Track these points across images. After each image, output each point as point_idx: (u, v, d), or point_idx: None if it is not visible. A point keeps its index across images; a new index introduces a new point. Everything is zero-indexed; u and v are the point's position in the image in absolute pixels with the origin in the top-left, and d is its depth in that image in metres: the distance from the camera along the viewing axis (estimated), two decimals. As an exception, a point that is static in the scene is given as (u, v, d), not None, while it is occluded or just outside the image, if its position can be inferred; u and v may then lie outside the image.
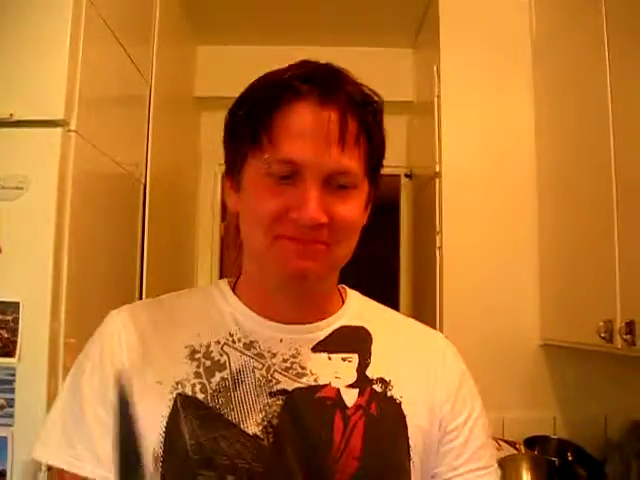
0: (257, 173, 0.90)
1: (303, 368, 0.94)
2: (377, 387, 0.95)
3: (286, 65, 0.94)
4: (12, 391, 1.63)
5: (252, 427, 0.89)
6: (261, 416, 0.89)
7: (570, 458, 2.24)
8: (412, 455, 0.94)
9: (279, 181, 0.88)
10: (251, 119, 0.90)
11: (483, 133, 2.52)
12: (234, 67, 2.94)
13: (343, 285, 1.07)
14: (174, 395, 0.90)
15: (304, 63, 0.93)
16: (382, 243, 4.11)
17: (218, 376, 0.91)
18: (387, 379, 0.96)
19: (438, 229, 2.50)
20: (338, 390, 0.93)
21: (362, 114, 0.91)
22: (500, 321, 2.44)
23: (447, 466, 0.98)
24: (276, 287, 0.96)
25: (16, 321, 1.64)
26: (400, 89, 3.15)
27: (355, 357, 0.97)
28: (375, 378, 0.96)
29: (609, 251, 1.79)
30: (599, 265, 1.88)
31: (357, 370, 0.96)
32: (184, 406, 0.89)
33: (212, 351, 0.94)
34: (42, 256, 1.62)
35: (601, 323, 1.77)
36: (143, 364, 0.92)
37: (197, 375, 0.91)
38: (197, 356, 0.93)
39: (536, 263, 2.43)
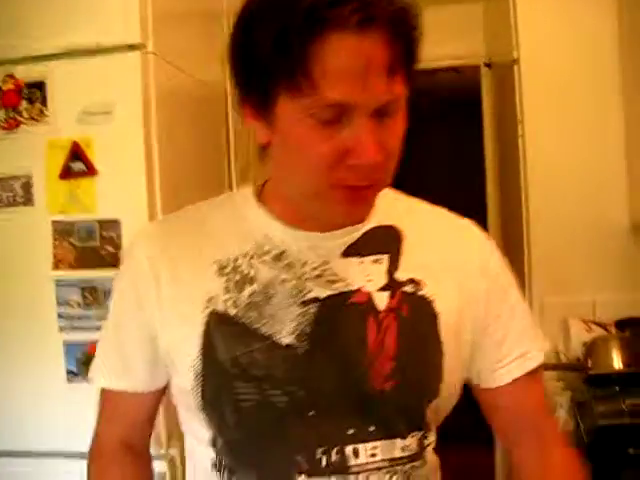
0: (296, 114, 0.80)
1: (334, 274, 0.92)
2: (408, 288, 0.94)
3: None
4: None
5: (286, 337, 0.89)
6: (294, 325, 0.89)
7: (662, 338, 2.23)
8: (444, 352, 0.93)
9: (326, 122, 0.80)
10: (281, 50, 0.77)
11: (562, 14, 2.42)
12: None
13: None
14: (207, 313, 0.90)
15: None
16: (465, 137, 4.07)
17: (248, 290, 0.91)
18: (418, 279, 0.94)
19: (519, 117, 2.47)
20: (369, 294, 0.92)
21: (405, 30, 0.81)
22: (587, 204, 2.42)
23: (489, 360, 0.99)
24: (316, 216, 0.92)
25: (119, 237, 1.78)
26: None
27: (385, 258, 0.95)
28: (406, 279, 0.94)
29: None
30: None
31: (387, 272, 0.94)
32: (217, 323, 0.90)
33: (240, 265, 0.92)
34: (135, 175, 1.73)
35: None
36: (173, 288, 0.93)
37: (227, 290, 0.91)
38: (226, 271, 0.92)
39: (622, 143, 2.37)
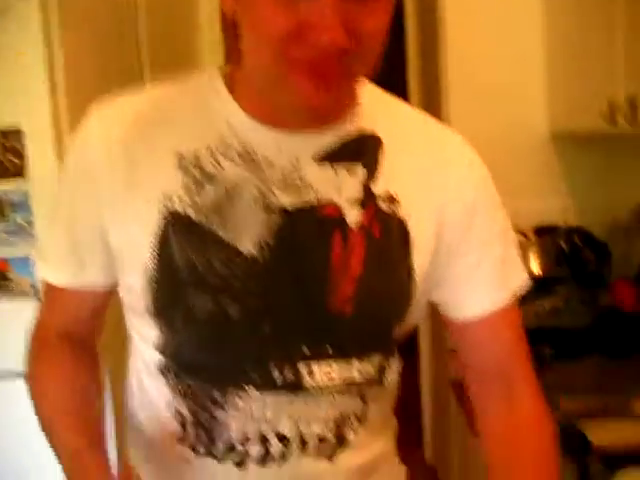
0: None
1: (303, 182, 0.84)
2: (382, 204, 0.86)
3: None
4: (30, 213, 1.71)
5: (247, 245, 0.82)
6: (256, 234, 0.82)
7: (579, 244, 2.28)
8: (416, 278, 0.87)
9: None
10: None
11: None
12: None
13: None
14: (163, 211, 0.82)
15: None
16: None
17: (210, 190, 0.82)
18: (394, 195, 0.86)
19: (440, 20, 2.44)
20: (340, 208, 0.84)
21: None
22: (507, 112, 2.42)
23: (459, 288, 0.92)
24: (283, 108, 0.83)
25: (23, 147, 1.68)
26: None
27: (361, 169, 0.86)
28: (381, 194, 0.86)
29: (612, 33, 1.74)
30: (602, 44, 1.84)
31: (363, 184, 0.85)
32: (174, 224, 0.82)
33: (202, 159, 0.83)
34: (36, 78, 1.62)
35: (604, 103, 1.74)
36: (128, 181, 0.84)
37: (187, 188, 0.83)
38: (186, 165, 0.83)
39: (542, 50, 2.37)
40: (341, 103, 0.82)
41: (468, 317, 0.93)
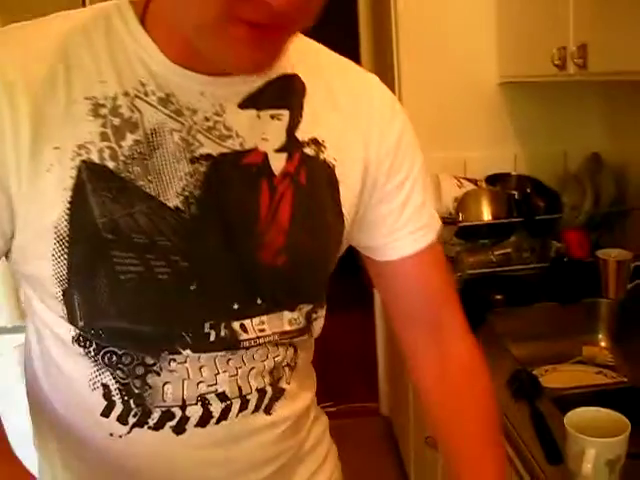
0: None
1: (228, 129, 0.79)
2: (308, 150, 0.83)
3: None
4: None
5: (172, 199, 0.76)
6: (182, 185, 0.76)
7: (530, 192, 2.29)
8: (345, 224, 0.87)
9: None
10: None
11: None
12: None
13: None
14: (77, 163, 0.73)
15: None
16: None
17: (130, 138, 0.75)
18: (320, 139, 0.84)
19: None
20: (265, 155, 0.80)
21: None
22: (458, 62, 2.40)
23: (386, 229, 0.92)
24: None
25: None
26: None
27: (286, 114, 0.82)
28: (307, 140, 0.83)
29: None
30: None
31: (287, 130, 0.82)
32: (91, 177, 0.73)
33: (120, 105, 0.75)
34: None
35: (555, 50, 1.74)
36: (35, 128, 0.72)
37: (104, 137, 0.74)
38: (102, 112, 0.74)
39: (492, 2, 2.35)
40: (274, 60, 0.72)
41: (394, 259, 0.93)
